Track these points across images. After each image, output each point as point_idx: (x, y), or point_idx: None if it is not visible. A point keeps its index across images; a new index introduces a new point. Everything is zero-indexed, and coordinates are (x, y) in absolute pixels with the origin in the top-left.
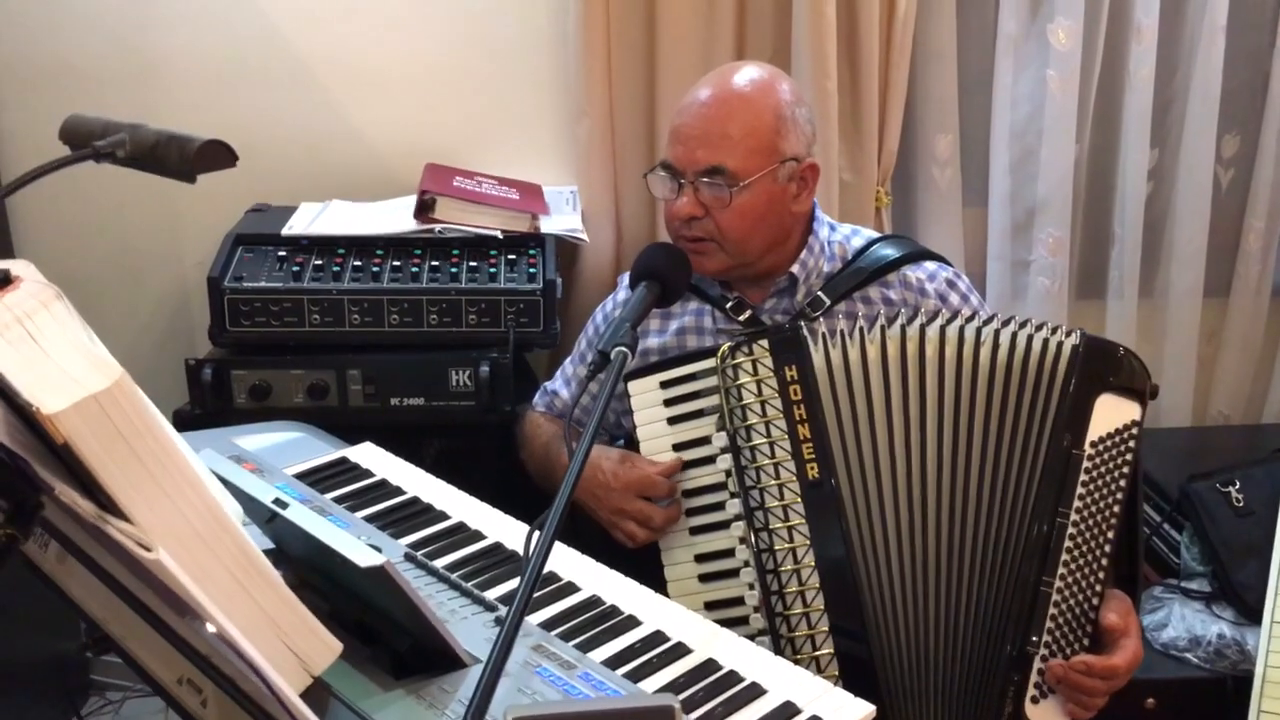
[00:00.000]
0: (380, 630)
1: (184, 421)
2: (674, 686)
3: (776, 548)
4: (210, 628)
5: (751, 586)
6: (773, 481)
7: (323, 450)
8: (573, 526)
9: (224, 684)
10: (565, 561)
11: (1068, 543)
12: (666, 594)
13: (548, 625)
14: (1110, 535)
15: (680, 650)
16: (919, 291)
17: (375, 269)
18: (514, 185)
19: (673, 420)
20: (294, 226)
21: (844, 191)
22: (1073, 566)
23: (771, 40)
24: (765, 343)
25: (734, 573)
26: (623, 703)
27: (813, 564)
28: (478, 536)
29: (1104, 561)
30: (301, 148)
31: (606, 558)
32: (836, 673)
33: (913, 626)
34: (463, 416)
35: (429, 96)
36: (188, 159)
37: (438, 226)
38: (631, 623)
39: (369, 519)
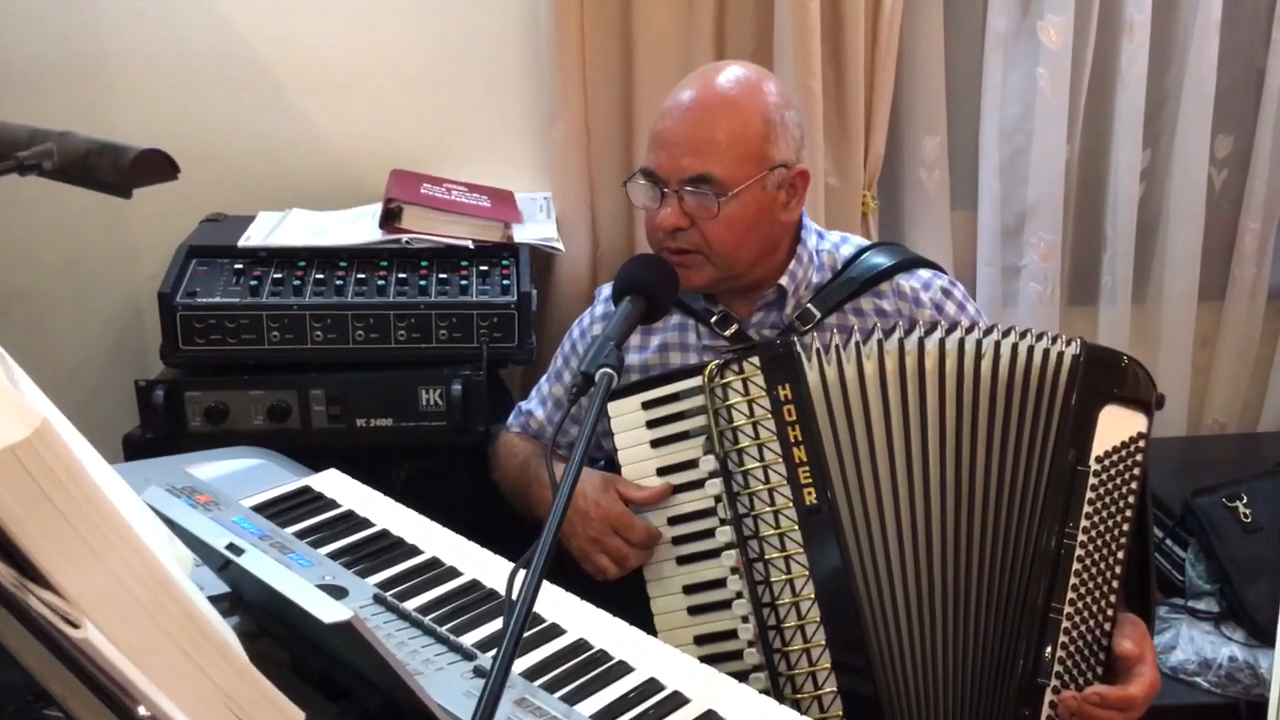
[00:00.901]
0: (348, 685)
1: (135, 447)
2: None
3: (773, 579)
4: (143, 710)
5: (745, 619)
6: (767, 508)
7: (284, 478)
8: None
9: None
10: (549, 600)
11: (1076, 564)
12: (653, 627)
13: (531, 674)
14: (1120, 555)
15: (677, 700)
16: (913, 301)
17: (339, 282)
18: (485, 192)
19: (656, 443)
20: (251, 237)
21: (829, 196)
22: (1082, 590)
23: (753, 38)
24: (756, 360)
25: (725, 604)
26: None
27: (812, 596)
28: (452, 573)
29: (1115, 584)
30: (260, 153)
31: (588, 586)
32: (840, 712)
33: (919, 660)
34: (434, 438)
35: (394, 99)
36: (122, 171)
37: (404, 237)
38: (622, 669)
39: (334, 555)
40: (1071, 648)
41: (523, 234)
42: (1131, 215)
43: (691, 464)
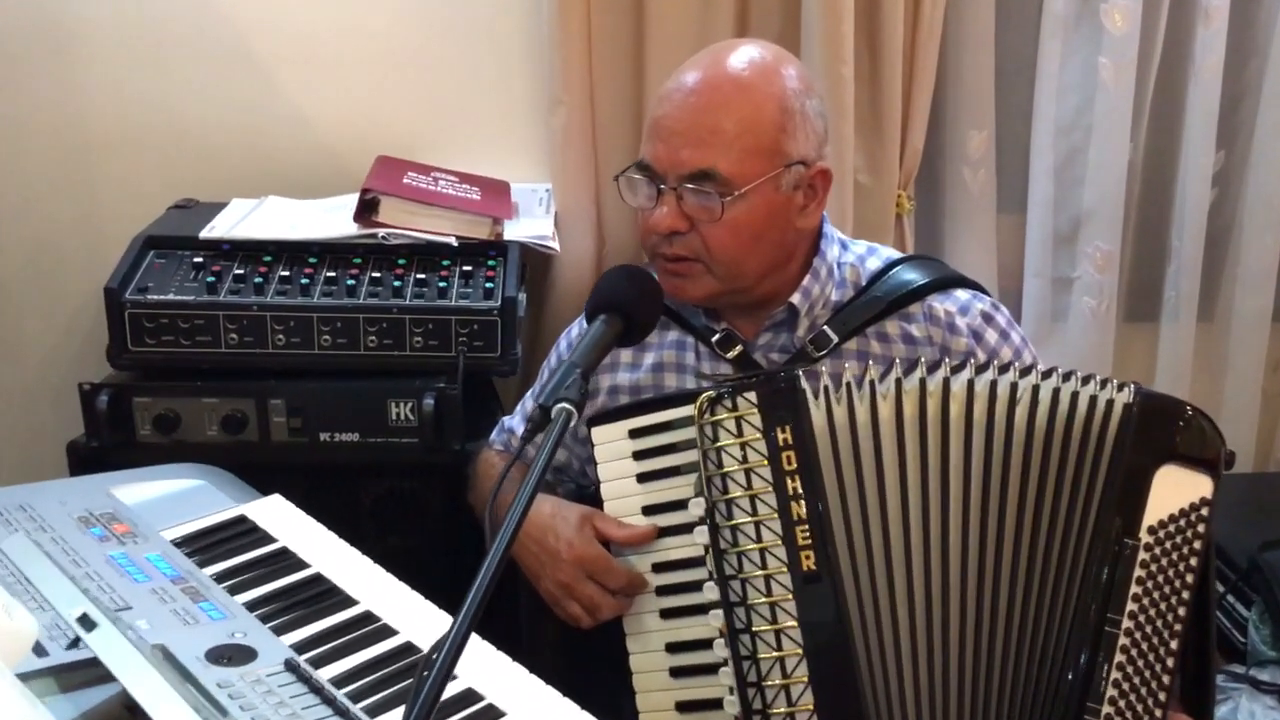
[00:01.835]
0: None
1: (79, 456)
2: None
3: (760, 655)
4: None
5: (732, 691)
6: (758, 571)
7: (221, 503)
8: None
9: None
10: (490, 671)
11: (1119, 656)
12: (630, 683)
13: None
14: (1174, 645)
15: None
16: (947, 327)
17: (304, 280)
18: (477, 183)
19: (644, 477)
20: (215, 228)
21: (860, 196)
22: (1125, 688)
23: (779, 18)
24: (753, 395)
25: (712, 669)
26: None
27: (805, 679)
28: (385, 633)
29: (1165, 679)
30: (237, 135)
31: (567, 631)
32: None
33: None
34: (404, 456)
35: (383, 77)
36: None
37: (381, 231)
38: None
39: (255, 604)
40: None
41: (514, 231)
42: (1201, 224)
43: (680, 505)
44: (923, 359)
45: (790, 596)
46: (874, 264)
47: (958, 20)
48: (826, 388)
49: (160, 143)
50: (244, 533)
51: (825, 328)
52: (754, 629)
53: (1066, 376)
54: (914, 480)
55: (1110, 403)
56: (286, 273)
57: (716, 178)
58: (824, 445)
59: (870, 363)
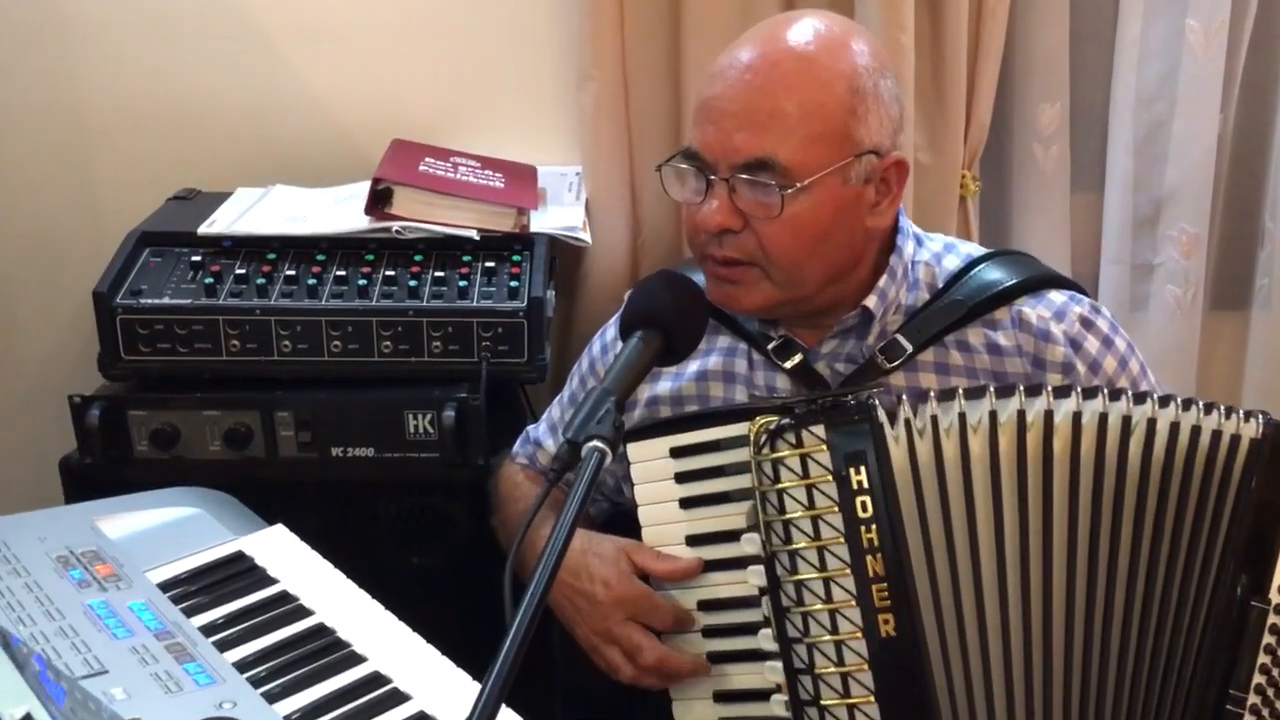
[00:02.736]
0: None
1: (72, 473)
2: None
3: None
4: None
5: None
6: (827, 636)
7: (218, 535)
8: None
9: None
10: None
11: None
12: None
13: None
14: None
15: None
16: (1040, 335)
17: (312, 281)
18: (501, 168)
19: (687, 503)
20: (216, 222)
21: (920, 176)
22: None
23: None
24: (821, 429)
25: None
26: None
27: None
28: (396, 699)
29: None
30: (243, 118)
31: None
32: None
33: None
34: (423, 472)
35: (400, 54)
36: None
37: (395, 225)
38: None
39: (248, 663)
40: None
41: (541, 221)
42: None
43: (730, 536)
44: (1021, 387)
45: (865, 666)
46: (952, 262)
47: None
48: (908, 420)
49: (162, 126)
50: (241, 573)
51: (898, 336)
52: (822, 702)
53: (1186, 405)
54: (1011, 530)
55: (1236, 438)
56: (292, 271)
57: (776, 167)
58: (905, 489)
59: (952, 380)
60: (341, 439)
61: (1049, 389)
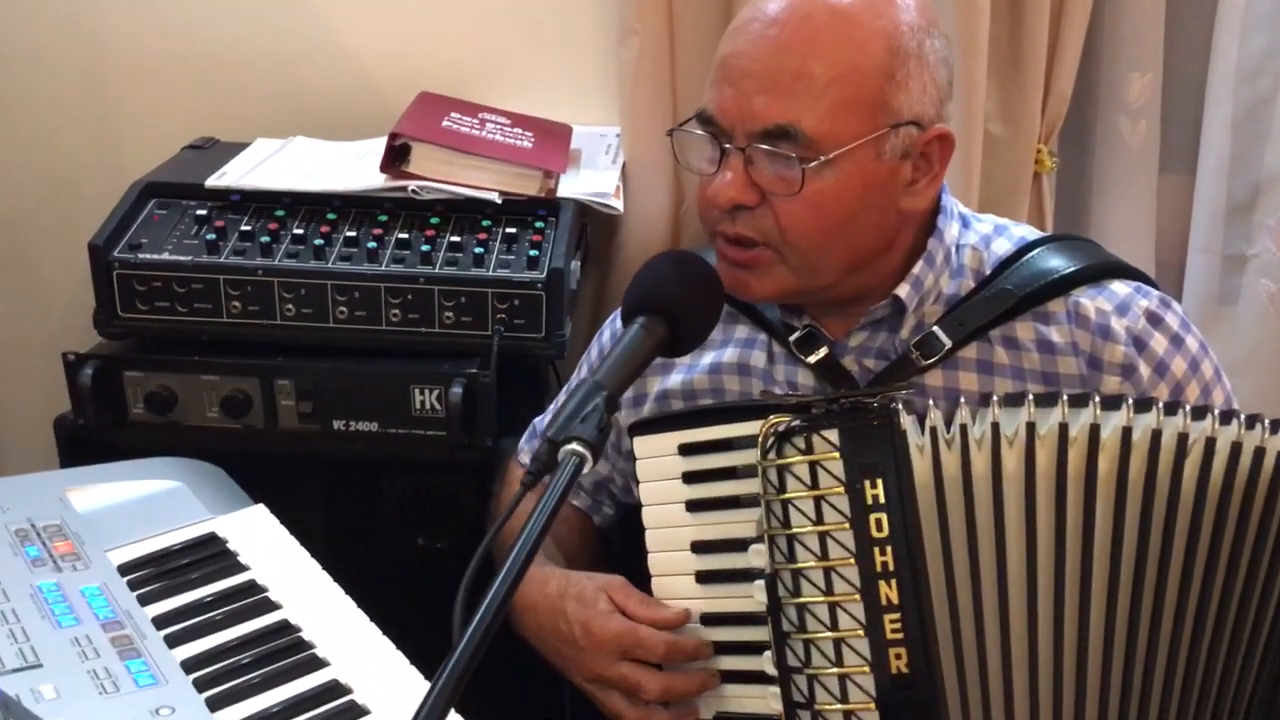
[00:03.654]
0: None
1: (66, 434)
2: None
3: None
4: None
5: None
6: (830, 669)
7: (195, 513)
8: None
9: None
10: None
11: None
12: None
13: None
14: None
15: None
16: (1098, 331)
17: (319, 241)
18: (533, 126)
19: (695, 505)
20: (226, 174)
21: (991, 149)
22: None
23: None
24: (834, 434)
25: None
26: None
27: None
28: (351, 713)
29: None
30: (267, 64)
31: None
32: None
33: None
34: (429, 451)
35: (433, 3)
36: None
37: (411, 184)
38: None
39: (198, 661)
40: None
41: (571, 186)
42: None
43: (740, 545)
44: (1064, 392)
45: (871, 705)
46: (1002, 246)
47: None
48: (935, 429)
49: (185, 71)
50: (210, 557)
51: (936, 329)
52: None
53: (1250, 423)
54: (1045, 559)
55: None
56: (300, 230)
57: (798, 137)
58: (927, 507)
59: (996, 381)
60: (344, 412)
61: (1096, 400)
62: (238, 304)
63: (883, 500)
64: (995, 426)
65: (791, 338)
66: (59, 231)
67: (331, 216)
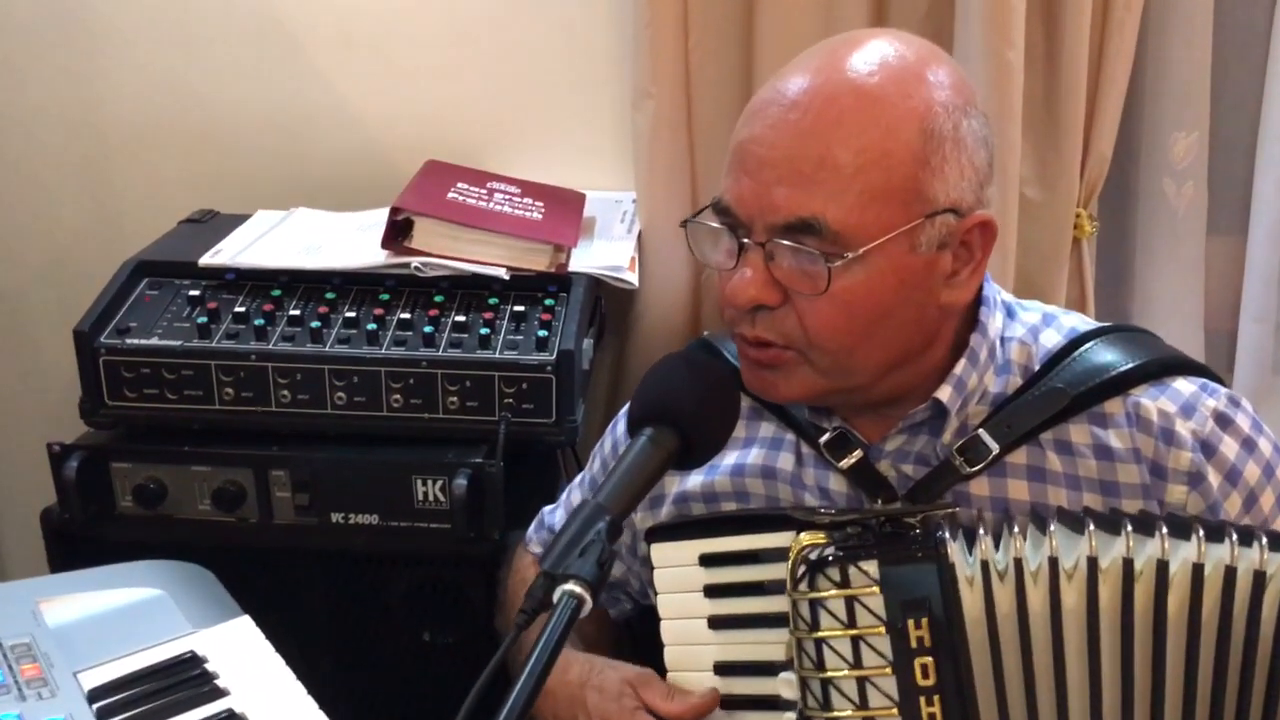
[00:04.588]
0: None
1: (52, 527)
2: None
3: None
4: None
5: None
6: None
7: (176, 627)
8: None
9: None
10: None
11: None
12: None
13: None
14: None
15: None
16: (1161, 435)
17: (316, 323)
18: (543, 195)
19: (717, 623)
20: (222, 251)
21: (1026, 214)
22: None
23: None
24: (873, 566)
25: None
26: None
27: None
28: None
29: None
30: (269, 131)
31: None
32: None
33: None
34: (433, 544)
35: (443, 67)
36: None
37: (414, 261)
38: None
39: None
40: None
41: (584, 258)
42: None
43: (768, 669)
44: (1137, 496)
45: None
46: (1051, 339)
47: None
48: (988, 561)
49: (183, 140)
50: (186, 680)
51: (981, 432)
52: None
53: None
54: (1110, 707)
55: None
56: (297, 311)
57: (823, 231)
58: (980, 651)
59: (1049, 491)
60: (343, 504)
61: (1164, 529)
62: (230, 390)
63: (929, 643)
64: (1054, 562)
65: (822, 440)
66: (57, 309)
67: (330, 296)
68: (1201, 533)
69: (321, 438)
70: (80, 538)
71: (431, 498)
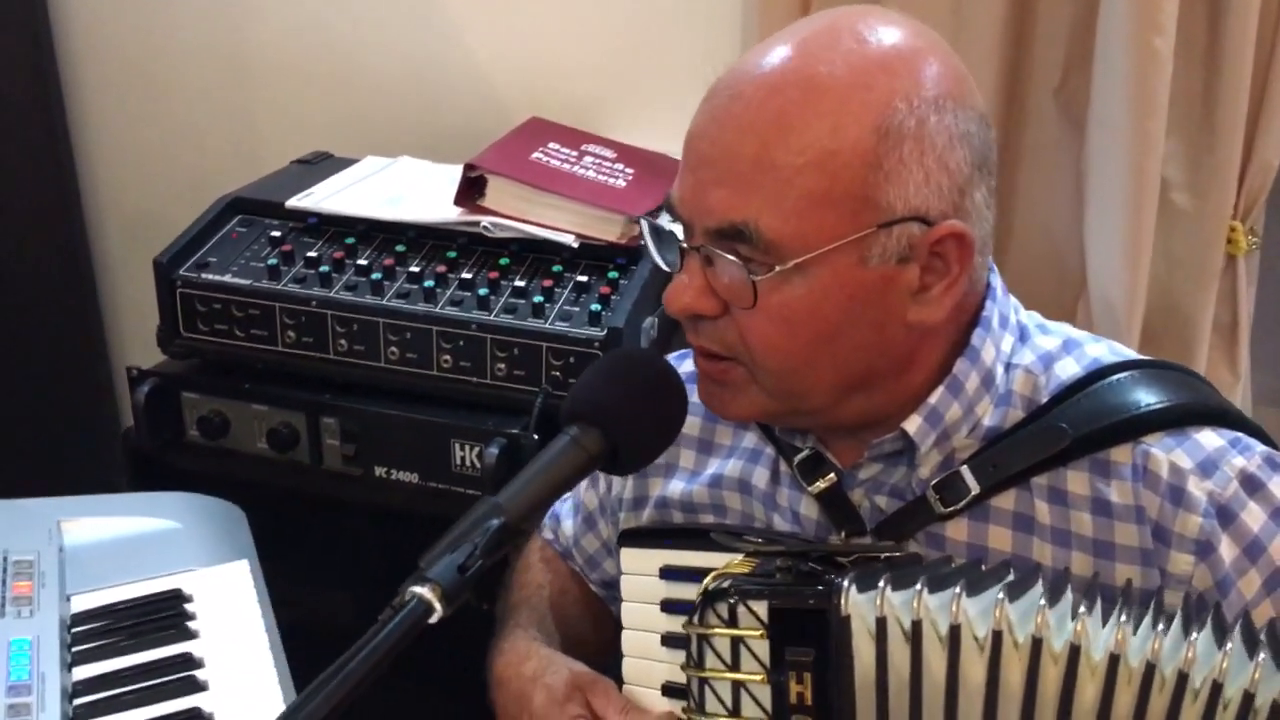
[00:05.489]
0: None
1: (130, 450)
2: None
3: None
4: None
5: None
6: None
7: (177, 561)
8: None
9: None
10: None
11: None
12: None
13: None
14: None
15: None
16: (1169, 494)
17: (377, 275)
18: (638, 161)
19: (670, 640)
20: (313, 194)
21: (1171, 223)
22: None
23: None
24: (762, 607)
25: None
26: None
27: None
28: None
29: None
30: (396, 75)
31: None
32: None
33: None
34: (466, 507)
35: (564, 23)
36: None
37: (484, 219)
38: None
39: None
40: None
41: None
42: None
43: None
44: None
45: None
46: (1067, 369)
47: None
48: (886, 618)
49: (320, 82)
50: (164, 617)
51: (963, 469)
52: None
53: None
54: None
55: None
56: (363, 262)
57: (754, 239)
58: (865, 715)
59: (1034, 544)
60: (386, 459)
61: (1133, 603)
62: (292, 334)
63: (809, 700)
64: (956, 630)
65: (795, 459)
66: None
67: (401, 249)
68: (1179, 619)
69: (374, 390)
70: (157, 461)
71: (469, 463)
